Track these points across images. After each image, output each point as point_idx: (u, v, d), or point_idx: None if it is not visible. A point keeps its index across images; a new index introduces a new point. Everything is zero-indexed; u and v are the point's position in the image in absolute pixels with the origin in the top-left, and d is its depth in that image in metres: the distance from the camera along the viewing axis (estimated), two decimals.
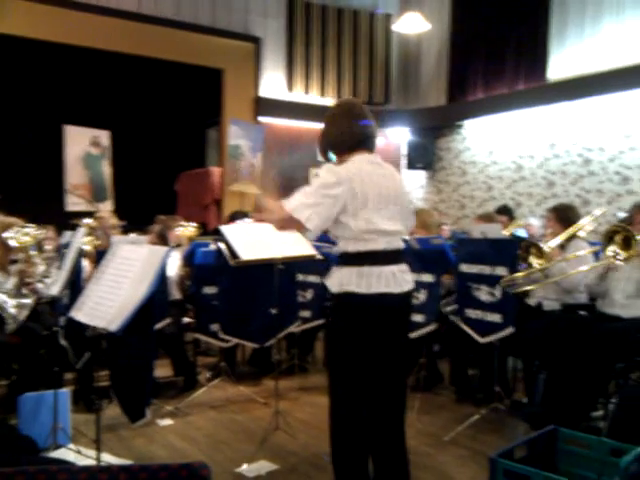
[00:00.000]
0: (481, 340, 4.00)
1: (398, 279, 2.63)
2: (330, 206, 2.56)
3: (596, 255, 4.32)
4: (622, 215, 5.55)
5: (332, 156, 2.80)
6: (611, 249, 3.44)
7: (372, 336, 2.61)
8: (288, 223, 2.60)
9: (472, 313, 4.07)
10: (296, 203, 2.56)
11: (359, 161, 2.67)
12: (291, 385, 5.05)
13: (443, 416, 4.26)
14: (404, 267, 2.71)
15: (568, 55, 7.96)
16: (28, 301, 4.15)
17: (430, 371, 4.74)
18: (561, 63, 8.03)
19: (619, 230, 3.41)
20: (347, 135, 2.72)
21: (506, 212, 6.31)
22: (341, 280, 2.62)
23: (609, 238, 3.44)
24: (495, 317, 3.93)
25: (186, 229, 6.07)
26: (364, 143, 2.73)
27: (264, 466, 3.44)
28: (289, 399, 4.69)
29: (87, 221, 5.88)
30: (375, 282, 2.58)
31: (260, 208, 2.75)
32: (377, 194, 2.62)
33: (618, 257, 3.41)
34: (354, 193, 2.57)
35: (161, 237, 5.00)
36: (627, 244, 3.37)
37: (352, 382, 2.65)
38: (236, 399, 4.73)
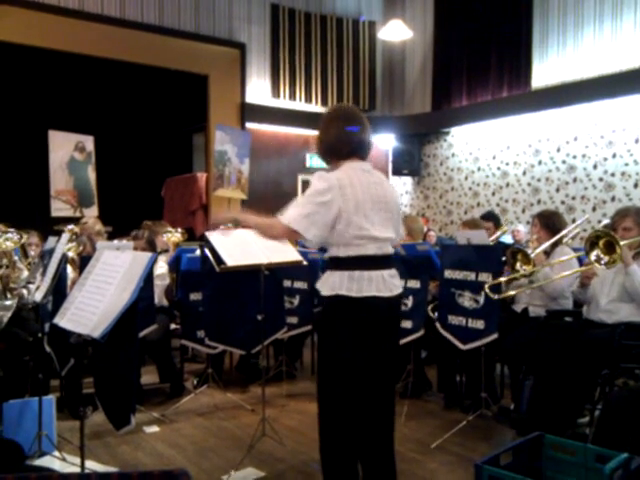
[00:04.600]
0: (463, 347, 4.00)
1: (388, 283, 2.65)
2: (325, 213, 2.56)
3: (580, 261, 4.36)
4: (606, 222, 5.61)
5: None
6: (594, 254, 3.46)
7: (362, 339, 2.63)
8: (288, 235, 2.62)
9: (455, 319, 4.07)
10: (292, 215, 2.56)
11: (350, 168, 2.68)
12: (279, 392, 5.04)
13: (431, 423, 4.27)
14: (394, 272, 2.74)
15: (551, 63, 8.05)
16: (10, 302, 4.11)
17: (418, 378, 4.74)
18: (544, 71, 8.12)
19: (602, 235, 3.43)
20: (338, 142, 2.71)
21: (492, 218, 6.33)
22: (333, 284, 2.63)
23: (592, 243, 3.46)
24: (478, 323, 3.93)
25: (172, 235, 6.05)
26: (356, 151, 2.72)
27: (251, 473, 3.42)
28: (277, 406, 4.67)
29: (70, 227, 5.84)
30: (366, 286, 2.60)
31: (247, 226, 2.77)
32: (369, 200, 2.63)
33: (601, 262, 3.43)
34: (346, 198, 2.58)
35: (149, 243, 4.97)
36: (610, 249, 3.40)
37: (342, 386, 2.65)
38: (223, 406, 4.71)
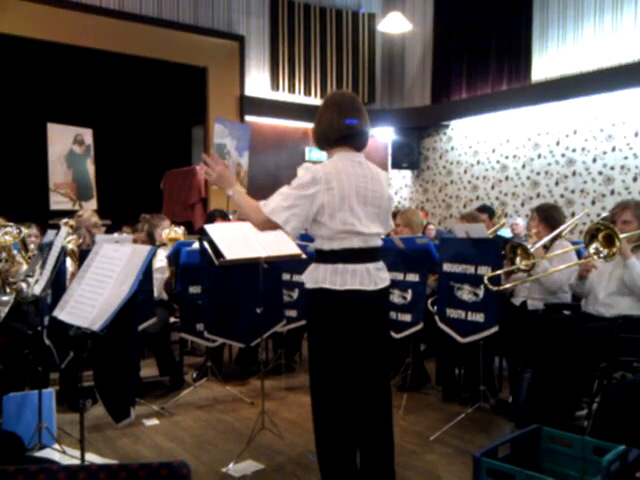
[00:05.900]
0: (462, 340, 4.01)
1: (373, 276, 2.64)
2: (307, 207, 2.55)
3: (579, 254, 4.37)
4: (605, 215, 5.61)
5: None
6: (593, 246, 3.46)
7: (346, 332, 2.63)
8: (267, 225, 2.60)
9: (454, 313, 4.07)
10: (273, 205, 2.55)
11: (341, 159, 2.66)
12: (278, 385, 5.05)
13: (429, 415, 4.28)
14: (380, 265, 2.72)
15: (551, 56, 8.03)
16: (7, 298, 4.11)
17: (417, 371, 4.75)
18: (544, 64, 8.10)
19: (601, 228, 3.43)
20: (330, 130, 2.69)
21: (486, 210, 6.32)
22: (316, 277, 2.63)
23: (591, 236, 3.46)
24: (477, 317, 3.93)
25: (171, 230, 6.01)
26: (349, 139, 2.69)
27: (250, 466, 3.44)
28: (276, 399, 4.68)
29: (65, 220, 5.82)
30: (350, 279, 2.59)
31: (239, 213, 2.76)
32: (355, 195, 2.60)
33: (600, 254, 3.43)
34: (332, 193, 2.55)
35: (149, 236, 4.97)
36: (609, 242, 3.40)
37: (330, 378, 2.66)
38: (223, 399, 4.72)
